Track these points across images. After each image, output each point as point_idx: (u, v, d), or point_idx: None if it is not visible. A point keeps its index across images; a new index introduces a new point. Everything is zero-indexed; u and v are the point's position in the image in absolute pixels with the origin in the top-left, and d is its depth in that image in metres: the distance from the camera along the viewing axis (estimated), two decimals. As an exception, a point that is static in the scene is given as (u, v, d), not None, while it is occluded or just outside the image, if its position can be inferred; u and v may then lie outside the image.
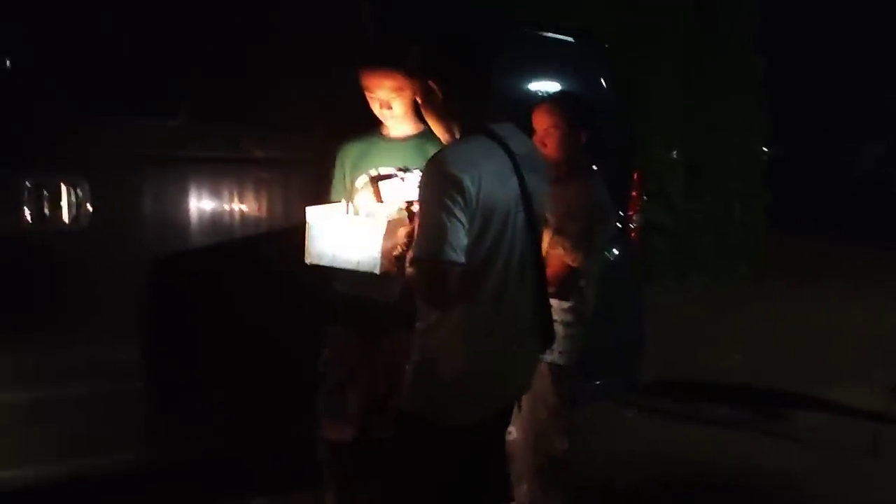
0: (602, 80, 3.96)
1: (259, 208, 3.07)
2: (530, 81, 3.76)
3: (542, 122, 2.79)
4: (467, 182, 1.90)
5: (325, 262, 2.39)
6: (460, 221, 1.90)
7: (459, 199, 1.90)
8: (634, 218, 3.97)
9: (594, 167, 2.91)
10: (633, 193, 3.97)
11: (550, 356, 2.75)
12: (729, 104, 8.42)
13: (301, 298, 2.83)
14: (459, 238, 1.90)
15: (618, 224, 3.92)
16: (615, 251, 3.94)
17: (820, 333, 6.15)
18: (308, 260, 2.40)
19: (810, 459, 3.95)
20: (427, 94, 2.10)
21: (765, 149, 9.48)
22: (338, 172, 2.83)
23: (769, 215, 8.94)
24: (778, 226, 9.06)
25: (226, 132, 2.99)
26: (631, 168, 4.00)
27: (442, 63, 2.09)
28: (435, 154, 2.01)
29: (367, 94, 2.65)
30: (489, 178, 1.95)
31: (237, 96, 2.98)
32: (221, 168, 3.02)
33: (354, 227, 2.34)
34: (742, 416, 4.61)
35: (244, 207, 3.04)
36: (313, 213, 2.40)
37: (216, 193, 2.99)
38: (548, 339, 2.26)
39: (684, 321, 6.33)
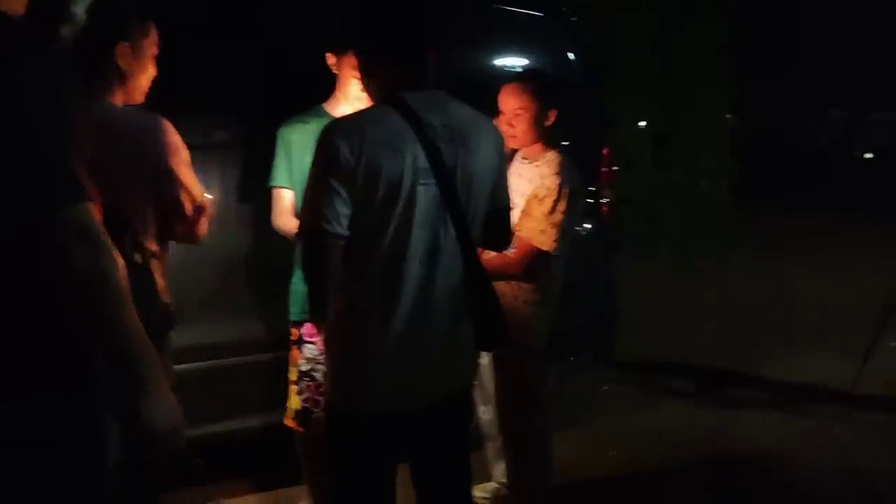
0: (571, 55, 3.92)
1: (225, 194, 3.00)
2: (498, 58, 3.72)
3: (509, 104, 2.72)
4: (344, 149, 1.81)
5: None
6: (338, 192, 1.81)
7: (337, 168, 1.81)
8: (605, 193, 3.95)
9: (562, 145, 2.86)
10: (603, 169, 3.95)
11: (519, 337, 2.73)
12: (695, 75, 8.45)
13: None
14: (336, 209, 1.82)
15: (589, 200, 3.93)
16: (587, 226, 3.95)
17: (790, 304, 6.22)
18: None
19: (780, 427, 4.01)
20: (357, 66, 2.06)
21: (728, 115, 9.50)
22: (280, 155, 2.74)
23: (737, 187, 8.99)
24: (746, 198, 9.11)
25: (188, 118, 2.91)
26: (601, 144, 3.97)
27: (354, 33, 2.05)
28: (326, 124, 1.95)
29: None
30: (374, 147, 1.83)
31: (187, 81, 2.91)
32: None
33: None
34: (713, 386, 4.65)
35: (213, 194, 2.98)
36: None
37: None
38: (489, 328, 2.04)
39: (653, 293, 6.38)
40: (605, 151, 3.96)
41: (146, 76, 2.08)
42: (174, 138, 2.03)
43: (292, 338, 2.78)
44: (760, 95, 13.47)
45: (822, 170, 13.61)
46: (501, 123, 2.73)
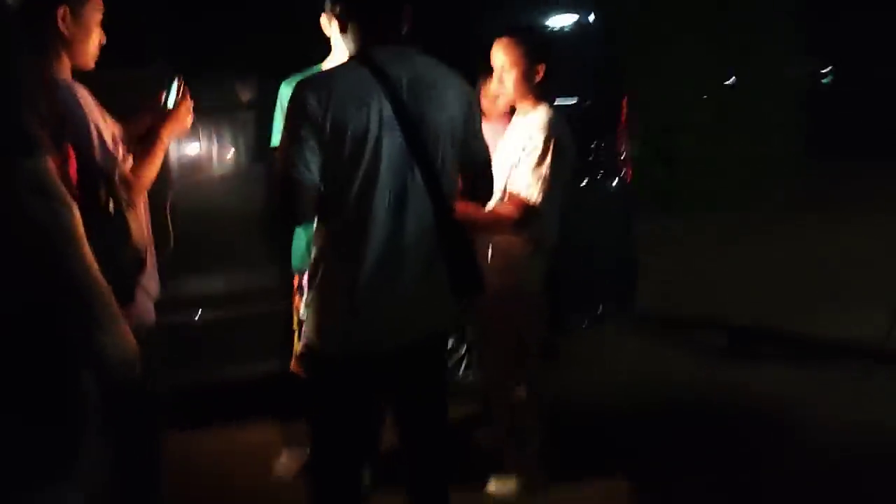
0: (589, 14, 3.95)
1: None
2: (513, 15, 3.77)
3: (498, 59, 2.79)
4: (312, 101, 1.94)
5: None
6: (307, 141, 1.94)
7: (305, 118, 1.95)
8: (624, 149, 3.98)
9: (553, 100, 2.92)
10: (622, 126, 3.97)
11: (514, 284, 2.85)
12: (764, 28, 8.20)
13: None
14: (306, 157, 1.95)
15: (616, 153, 3.98)
16: (611, 182, 4.02)
17: (841, 262, 6.00)
18: None
19: (804, 382, 3.98)
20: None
21: (824, 70, 9.06)
22: (280, 116, 2.83)
23: (806, 143, 8.68)
24: (815, 154, 8.76)
25: (213, 80, 3.13)
26: (619, 101, 3.99)
27: None
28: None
29: None
30: (340, 99, 1.96)
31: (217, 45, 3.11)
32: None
33: None
34: (743, 341, 4.66)
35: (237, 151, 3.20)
36: None
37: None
38: (463, 274, 2.15)
39: (714, 254, 6.33)
40: (623, 111, 3.98)
41: (92, 41, 2.10)
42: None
43: (295, 286, 2.97)
44: (840, 45, 12.69)
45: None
46: (494, 79, 2.83)
